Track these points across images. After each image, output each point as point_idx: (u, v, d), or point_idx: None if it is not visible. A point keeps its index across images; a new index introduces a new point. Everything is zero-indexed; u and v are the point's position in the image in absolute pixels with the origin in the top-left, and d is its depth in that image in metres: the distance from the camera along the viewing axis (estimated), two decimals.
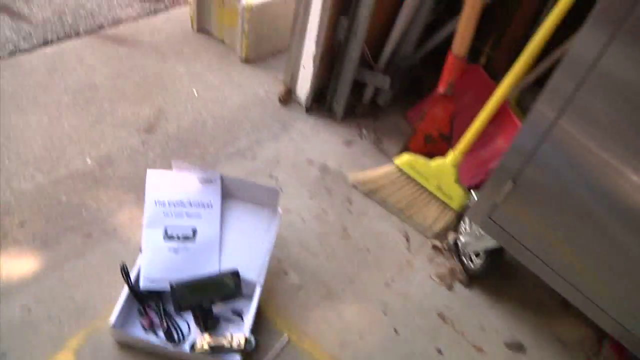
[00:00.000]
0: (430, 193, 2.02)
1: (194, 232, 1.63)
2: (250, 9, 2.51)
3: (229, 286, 1.56)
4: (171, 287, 1.49)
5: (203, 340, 1.47)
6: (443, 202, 2.00)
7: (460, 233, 1.95)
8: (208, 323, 1.52)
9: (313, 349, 1.65)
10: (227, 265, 1.62)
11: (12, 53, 2.46)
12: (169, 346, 1.48)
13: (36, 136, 2.08)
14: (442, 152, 2.00)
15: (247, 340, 1.47)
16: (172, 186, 1.67)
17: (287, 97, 2.53)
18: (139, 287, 1.54)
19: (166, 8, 3.01)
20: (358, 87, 2.45)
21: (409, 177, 2.04)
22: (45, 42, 2.57)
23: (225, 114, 2.40)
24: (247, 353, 1.50)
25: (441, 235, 2.04)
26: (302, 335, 1.67)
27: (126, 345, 1.52)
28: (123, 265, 1.51)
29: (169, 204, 1.64)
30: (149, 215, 1.61)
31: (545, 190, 1.48)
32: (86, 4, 2.88)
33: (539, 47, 1.69)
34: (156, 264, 1.57)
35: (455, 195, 1.97)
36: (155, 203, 1.63)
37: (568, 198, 1.43)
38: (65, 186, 1.93)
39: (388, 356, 1.69)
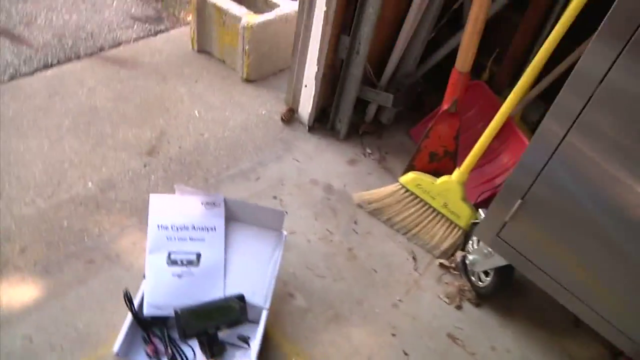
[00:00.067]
0: (437, 211, 1.99)
1: (198, 256, 1.60)
2: (251, 28, 2.51)
3: (234, 311, 1.53)
4: (176, 313, 1.46)
5: None
6: (450, 220, 1.98)
7: (468, 251, 1.92)
8: (214, 349, 1.49)
9: None
10: (232, 289, 1.59)
11: (13, 77, 2.46)
12: None
13: (37, 160, 2.07)
14: (448, 170, 1.97)
15: None
16: (175, 210, 1.65)
17: (290, 116, 2.52)
18: (142, 313, 1.51)
19: (166, 29, 3.02)
20: (361, 105, 2.44)
21: (414, 195, 2.02)
22: (46, 66, 2.57)
23: (228, 135, 2.39)
24: None
25: (449, 254, 2.01)
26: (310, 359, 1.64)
27: None
28: (126, 292, 1.49)
29: (172, 229, 1.61)
30: (152, 241, 1.59)
31: (554, 207, 1.46)
32: (86, 26, 2.89)
33: (543, 62, 1.67)
34: (160, 290, 1.54)
35: (462, 213, 1.94)
36: (159, 227, 1.60)
37: (577, 214, 1.41)
38: (67, 211, 1.91)
39: None
